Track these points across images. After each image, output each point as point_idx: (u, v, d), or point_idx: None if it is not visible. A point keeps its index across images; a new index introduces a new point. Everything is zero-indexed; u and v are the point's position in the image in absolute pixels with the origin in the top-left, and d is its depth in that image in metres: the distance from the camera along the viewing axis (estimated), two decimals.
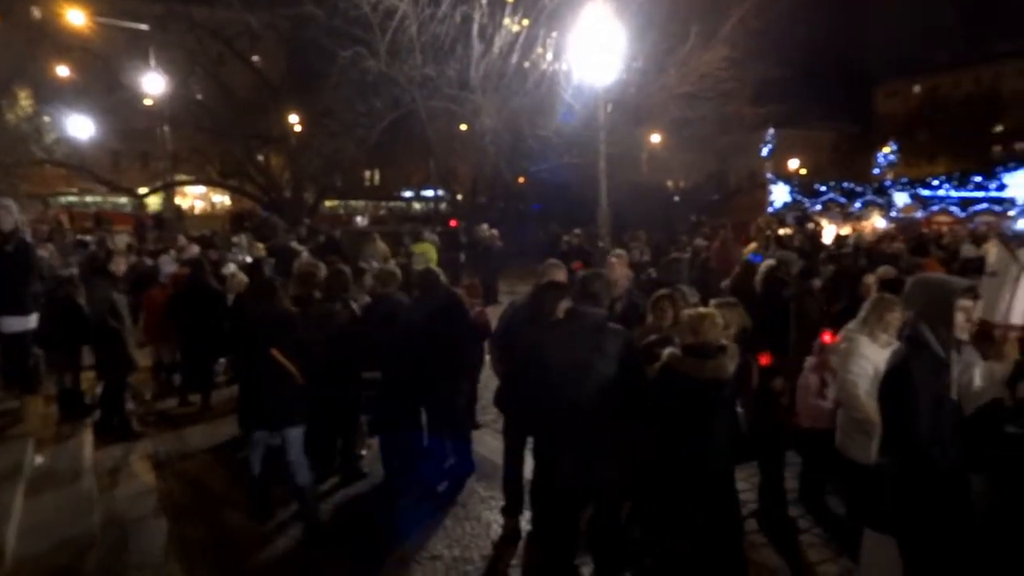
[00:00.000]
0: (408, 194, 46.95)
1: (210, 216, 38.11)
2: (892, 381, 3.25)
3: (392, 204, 48.42)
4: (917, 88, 61.59)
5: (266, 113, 25.20)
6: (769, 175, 33.70)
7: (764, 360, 5.81)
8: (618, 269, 5.79)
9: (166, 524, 5.29)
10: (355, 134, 19.50)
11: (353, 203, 47.92)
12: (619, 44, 15.77)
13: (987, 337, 3.69)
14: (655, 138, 28.69)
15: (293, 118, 26.44)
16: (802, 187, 33.19)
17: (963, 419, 3.29)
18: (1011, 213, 27.02)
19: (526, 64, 18.93)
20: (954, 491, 3.13)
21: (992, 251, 4.01)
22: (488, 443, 6.79)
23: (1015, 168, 30.43)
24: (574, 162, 19.83)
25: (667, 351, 3.55)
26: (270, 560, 4.81)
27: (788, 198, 31.67)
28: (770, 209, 30.23)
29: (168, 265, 10.64)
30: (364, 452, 6.54)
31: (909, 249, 12.11)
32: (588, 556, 4.29)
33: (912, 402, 3.11)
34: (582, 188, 19.30)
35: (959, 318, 3.17)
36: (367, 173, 42.16)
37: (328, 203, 39.92)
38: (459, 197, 27.93)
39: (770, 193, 31.85)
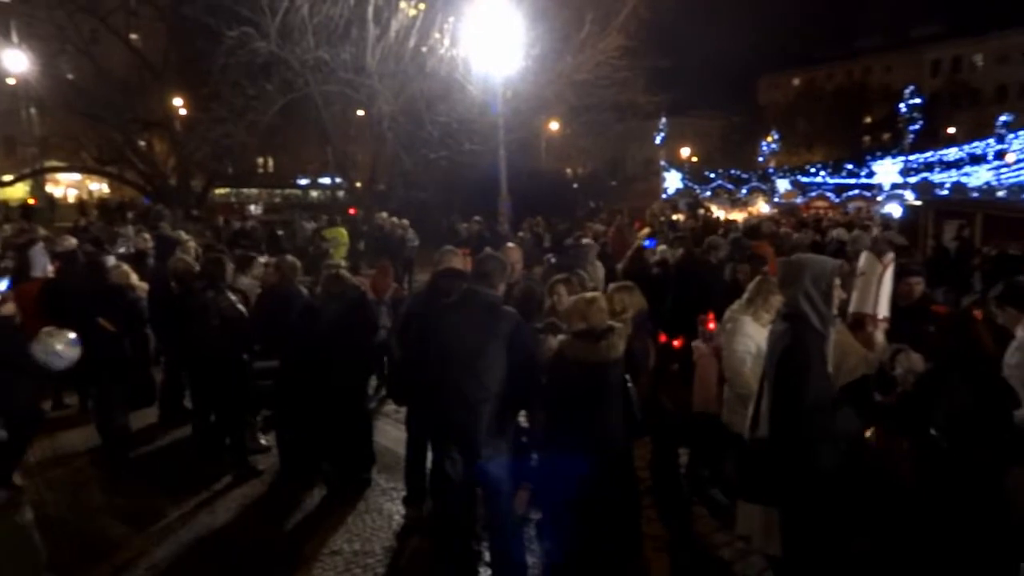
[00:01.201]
0: (305, 182, 45.51)
1: (87, 206, 35.50)
2: (787, 357, 3.35)
3: (288, 192, 46.78)
4: (796, 81, 65.25)
5: (146, 95, 23.73)
6: (662, 162, 34.89)
7: (678, 343, 6.03)
8: (514, 254, 5.81)
9: (37, 537, 4.90)
10: (245, 119, 18.63)
11: (246, 191, 46.03)
12: (516, 31, 15.88)
13: (861, 327, 3.95)
14: (554, 125, 29.07)
15: (177, 101, 25.01)
16: (693, 174, 34.60)
17: (834, 393, 3.50)
18: (879, 198, 29.21)
19: (423, 49, 18.68)
20: (834, 460, 3.32)
21: (863, 257, 4.38)
22: (390, 433, 6.71)
23: (882, 157, 32.90)
24: (474, 149, 19.78)
25: (559, 338, 3.59)
26: (154, 570, 4.55)
27: (680, 184, 32.96)
28: (664, 195, 31.39)
29: (40, 257, 9.84)
30: (265, 442, 6.35)
31: (743, 232, 12.51)
32: (488, 542, 4.31)
33: (805, 376, 3.27)
34: (482, 175, 19.32)
35: (834, 295, 3.37)
36: (260, 160, 40.46)
37: (219, 191, 38.14)
38: (358, 184, 27.32)
39: (663, 180, 33.03)
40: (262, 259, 7.43)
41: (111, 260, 8.89)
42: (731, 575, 4.35)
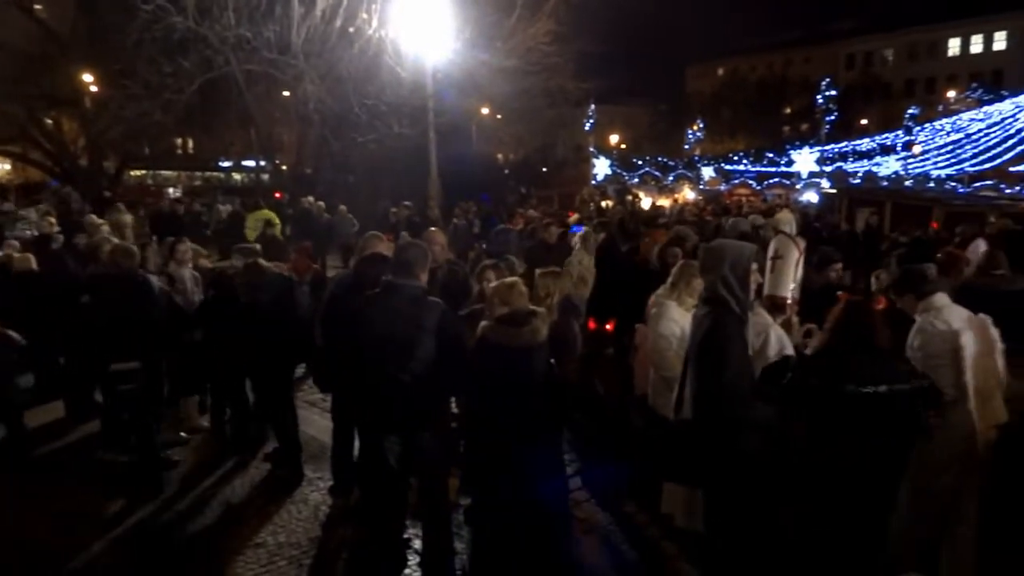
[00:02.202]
0: (227, 164, 43.96)
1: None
2: (708, 340, 3.44)
3: (209, 174, 45.10)
4: (721, 71, 66.89)
5: (53, 70, 22.30)
6: (592, 149, 35.33)
7: (610, 326, 6.14)
8: (438, 238, 5.76)
9: None
10: (162, 97, 17.78)
11: (164, 173, 44.16)
12: (445, 14, 15.68)
13: (778, 308, 4.07)
14: (484, 110, 28.94)
15: (87, 77, 23.63)
16: (622, 161, 35.20)
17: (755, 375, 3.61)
18: (798, 186, 30.40)
19: (351, 30, 18.24)
20: (756, 441, 3.43)
21: (778, 240, 4.50)
22: (316, 422, 6.57)
23: (800, 146, 34.22)
24: (404, 132, 19.50)
25: (482, 324, 3.58)
26: (63, 570, 4.33)
27: (609, 171, 33.51)
28: (593, 182, 31.81)
29: None
30: (184, 435, 6.15)
31: (642, 221, 12.66)
32: (417, 530, 4.30)
33: (725, 359, 3.36)
34: (412, 159, 19.07)
35: (751, 280, 3.47)
36: (179, 141, 38.82)
37: (134, 173, 36.44)
38: (283, 167, 26.55)
39: (593, 166, 33.48)
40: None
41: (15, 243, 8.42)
42: (658, 554, 4.45)
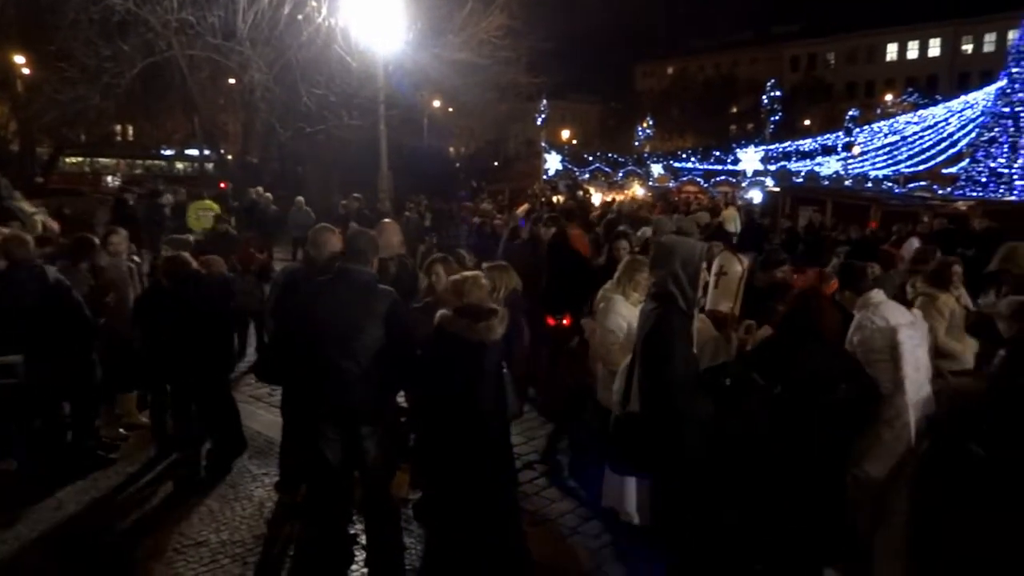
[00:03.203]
0: (170, 153, 42.59)
1: None
2: (654, 335, 3.48)
3: (150, 163, 43.62)
4: (670, 69, 67.92)
5: None
6: (543, 144, 35.48)
7: (567, 320, 6.19)
8: (391, 230, 5.70)
9: None
10: (100, 81, 17.12)
11: (103, 161, 42.57)
12: (396, 4, 15.49)
13: (719, 323, 4.15)
14: (436, 103, 28.75)
15: (19, 59, 22.60)
16: (573, 156, 35.46)
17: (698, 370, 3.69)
18: (743, 184, 31.11)
19: (300, 17, 17.87)
20: (699, 434, 3.49)
21: (722, 257, 4.58)
22: (262, 417, 6.46)
23: (745, 145, 35.02)
24: (354, 123, 19.21)
25: (439, 313, 3.56)
26: None
27: (560, 166, 33.73)
28: (544, 176, 31.97)
29: None
30: (123, 431, 5.94)
31: (562, 214, 12.70)
32: (363, 526, 4.26)
33: (671, 354, 3.41)
34: (363, 151, 18.82)
35: (700, 278, 3.53)
36: (118, 127, 37.44)
37: (70, 160, 35.07)
38: (229, 157, 25.88)
39: (544, 161, 33.64)
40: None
41: None
42: (607, 547, 4.51)
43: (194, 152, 34.88)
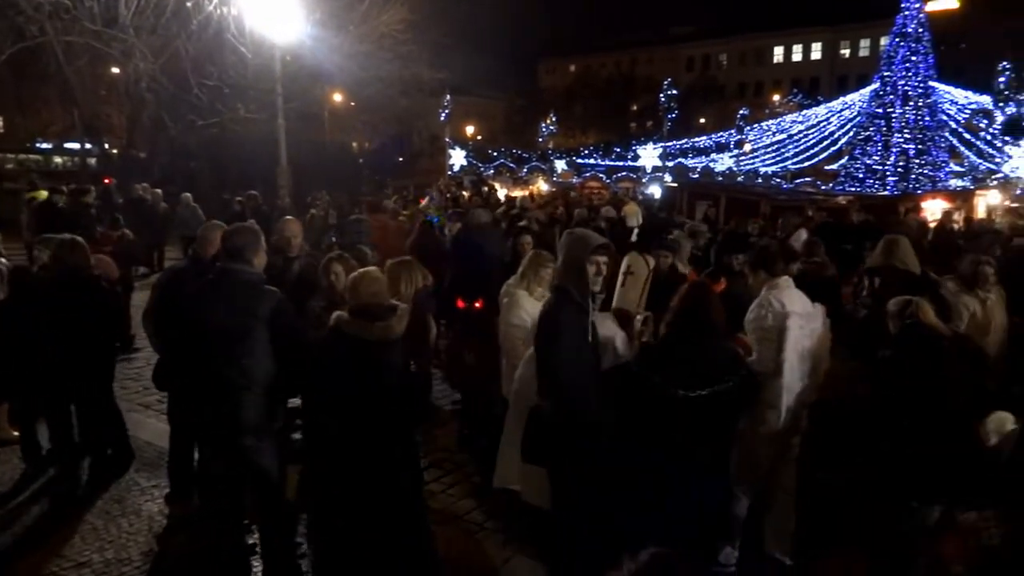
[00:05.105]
0: (46, 146, 39.63)
1: None
2: (543, 327, 3.57)
3: (24, 157, 40.46)
4: (573, 67, 69.07)
5: None
6: (447, 139, 35.30)
7: (479, 303, 6.19)
8: (293, 227, 5.51)
9: None
10: None
11: None
12: None
13: (625, 321, 4.22)
14: (337, 97, 28.07)
15: None
16: (477, 152, 35.48)
17: (599, 368, 3.75)
18: (643, 180, 32.03)
19: (188, 4, 17.01)
20: (593, 426, 3.56)
21: (629, 256, 4.66)
22: (152, 426, 6.11)
23: (645, 142, 36.12)
24: (250, 116, 18.48)
25: (335, 314, 3.44)
26: None
27: (465, 162, 33.69)
28: (449, 172, 31.83)
29: None
30: None
31: (367, 208, 12.55)
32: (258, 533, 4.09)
33: (559, 346, 3.46)
34: (260, 145, 18.15)
35: (591, 270, 3.59)
36: None
37: None
38: (113, 151, 24.38)
39: (449, 157, 33.49)
40: None
41: None
42: (510, 538, 4.52)
43: (75, 146, 32.57)
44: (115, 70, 20.39)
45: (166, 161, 21.54)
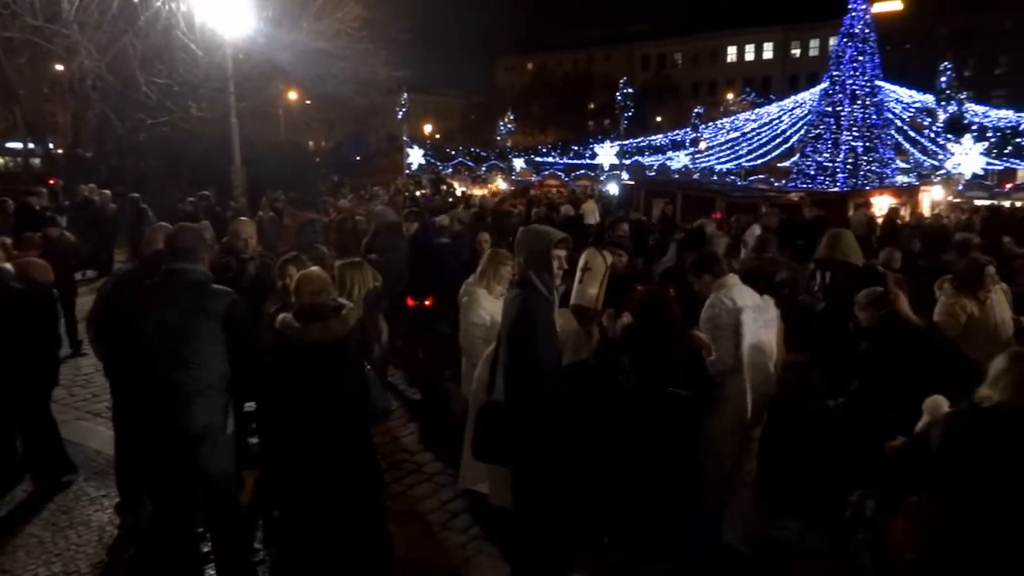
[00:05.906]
0: None
1: None
2: (519, 320, 3.52)
3: None
4: (530, 65, 69.23)
5: None
6: (405, 138, 35.10)
7: (429, 301, 6.18)
8: (248, 228, 5.40)
9: None
10: None
11: None
12: None
13: (583, 317, 4.24)
14: (292, 95, 27.65)
15: None
16: (435, 151, 35.36)
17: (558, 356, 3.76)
18: (601, 178, 32.30)
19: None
20: (559, 421, 3.56)
21: (588, 252, 4.67)
22: (101, 434, 5.92)
23: (602, 140, 36.40)
24: (202, 115, 18.06)
25: (280, 316, 3.37)
26: None
27: (423, 161, 33.55)
28: (407, 171, 31.67)
29: None
30: None
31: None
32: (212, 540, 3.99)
33: (533, 339, 3.45)
34: (212, 145, 17.74)
35: (554, 264, 3.60)
36: None
37: None
38: (59, 151, 23.60)
39: (407, 156, 33.31)
40: None
41: None
42: (471, 538, 4.50)
43: (17, 145, 31.44)
44: (59, 67, 19.74)
45: (115, 161, 20.92)
